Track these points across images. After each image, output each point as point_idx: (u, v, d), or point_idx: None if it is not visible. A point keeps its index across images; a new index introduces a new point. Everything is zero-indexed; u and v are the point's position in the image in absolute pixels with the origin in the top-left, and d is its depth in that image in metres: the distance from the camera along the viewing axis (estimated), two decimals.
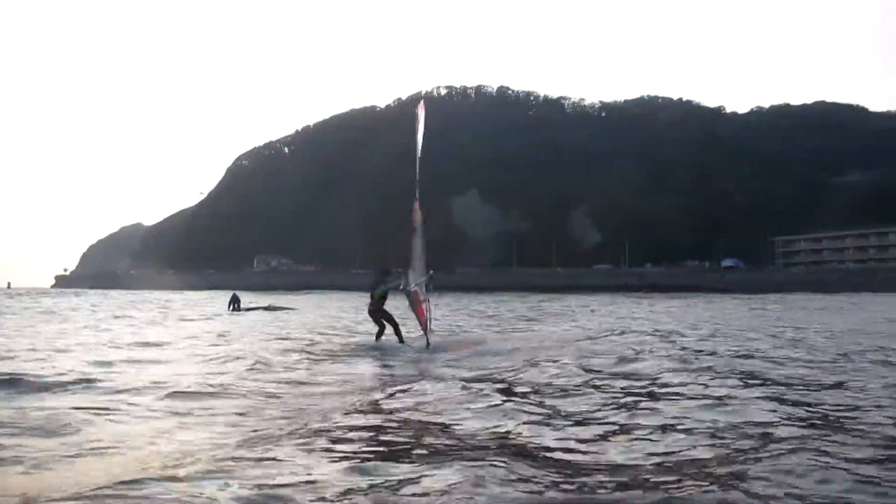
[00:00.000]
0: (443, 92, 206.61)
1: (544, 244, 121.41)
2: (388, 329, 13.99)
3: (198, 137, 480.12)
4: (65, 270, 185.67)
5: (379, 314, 14.00)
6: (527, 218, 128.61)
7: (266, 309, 30.16)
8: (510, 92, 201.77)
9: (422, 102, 16.57)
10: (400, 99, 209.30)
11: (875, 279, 75.77)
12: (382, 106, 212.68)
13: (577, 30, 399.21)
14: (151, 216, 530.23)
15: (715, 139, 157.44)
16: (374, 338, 13.97)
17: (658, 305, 34.24)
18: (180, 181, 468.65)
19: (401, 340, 13.63)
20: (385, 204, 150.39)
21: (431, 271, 14.05)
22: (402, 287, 13.62)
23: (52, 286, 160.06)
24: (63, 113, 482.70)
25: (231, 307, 29.90)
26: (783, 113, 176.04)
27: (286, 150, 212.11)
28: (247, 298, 36.25)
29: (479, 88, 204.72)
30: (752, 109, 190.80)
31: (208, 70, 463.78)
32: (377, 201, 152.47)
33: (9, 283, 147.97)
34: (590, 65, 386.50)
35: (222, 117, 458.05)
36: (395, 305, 14.35)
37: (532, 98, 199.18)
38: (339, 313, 27.17)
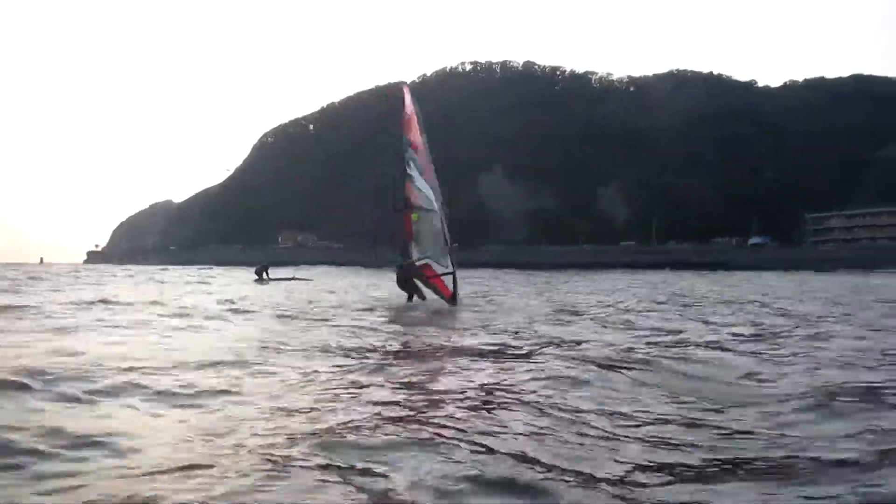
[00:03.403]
0: (468, 68, 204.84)
1: (572, 221, 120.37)
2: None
3: (225, 116, 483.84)
4: (96, 247, 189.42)
5: (407, 283, 14.86)
6: (554, 195, 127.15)
7: (290, 279, 30.87)
8: (536, 67, 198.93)
9: (406, 87, 17.07)
10: (425, 75, 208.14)
11: None
12: (407, 82, 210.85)
13: (604, 3, 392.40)
14: (180, 193, 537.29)
15: (747, 114, 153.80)
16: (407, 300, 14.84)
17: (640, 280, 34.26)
18: (208, 159, 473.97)
19: (422, 297, 14.61)
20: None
21: (455, 244, 14.48)
22: (400, 262, 14.31)
23: (84, 262, 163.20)
24: (95, 94, 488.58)
25: (263, 276, 30.78)
26: (817, 87, 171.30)
27: (311, 127, 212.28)
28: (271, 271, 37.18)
29: (504, 64, 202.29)
30: (784, 83, 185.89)
31: (237, 49, 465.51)
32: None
33: (41, 259, 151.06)
34: (617, 38, 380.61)
35: (249, 95, 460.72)
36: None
37: (558, 73, 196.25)
38: (350, 286, 27.08)
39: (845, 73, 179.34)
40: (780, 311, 14.11)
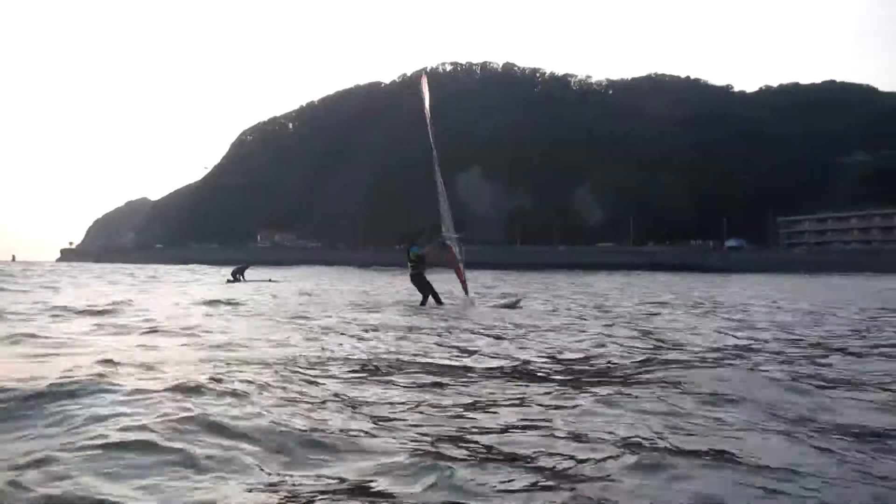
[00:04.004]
0: (448, 68, 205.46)
1: (549, 222, 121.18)
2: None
3: (203, 113, 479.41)
4: (70, 244, 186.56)
5: (420, 281, 14.34)
6: (531, 195, 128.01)
7: (268, 281, 30.32)
8: (516, 68, 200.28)
9: (424, 76, 17.20)
10: (405, 75, 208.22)
11: (878, 260, 75.66)
12: (387, 82, 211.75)
13: (584, 6, 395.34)
14: (157, 191, 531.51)
15: (722, 118, 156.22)
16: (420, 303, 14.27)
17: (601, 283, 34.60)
18: (185, 156, 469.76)
19: (439, 303, 14.09)
20: (389, 180, 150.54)
21: (462, 233, 14.66)
22: (442, 239, 14.38)
23: (58, 259, 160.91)
24: (72, 89, 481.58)
25: (238, 278, 30.15)
26: (792, 92, 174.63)
27: (290, 125, 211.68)
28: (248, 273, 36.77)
29: (484, 65, 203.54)
30: (760, 88, 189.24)
31: (215, 46, 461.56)
32: (381, 178, 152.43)
33: (13, 256, 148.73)
34: (597, 42, 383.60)
35: (227, 93, 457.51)
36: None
37: (538, 75, 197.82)
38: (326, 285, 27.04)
39: (819, 80, 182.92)
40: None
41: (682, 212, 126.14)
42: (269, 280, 30.89)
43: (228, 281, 29.63)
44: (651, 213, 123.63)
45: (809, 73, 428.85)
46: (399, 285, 23.80)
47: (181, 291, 20.31)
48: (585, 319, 11.53)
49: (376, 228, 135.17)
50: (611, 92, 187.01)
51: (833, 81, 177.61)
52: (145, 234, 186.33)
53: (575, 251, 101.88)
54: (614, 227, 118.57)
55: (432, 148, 15.09)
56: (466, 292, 14.58)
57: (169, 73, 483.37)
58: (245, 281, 29.37)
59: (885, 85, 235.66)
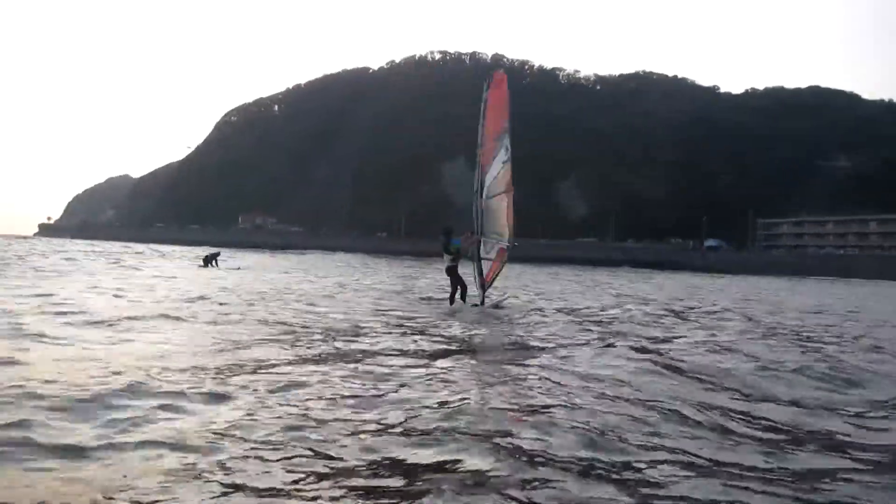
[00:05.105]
0: (437, 56, 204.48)
1: (532, 215, 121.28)
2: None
3: (188, 90, 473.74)
4: (48, 219, 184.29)
5: (454, 273, 14.73)
6: (516, 187, 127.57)
7: (237, 269, 29.98)
8: (505, 60, 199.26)
9: (503, 74, 16.80)
10: (393, 61, 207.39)
11: (852, 266, 76.77)
12: (375, 68, 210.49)
13: (575, 1, 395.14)
14: (139, 168, 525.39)
15: (707, 118, 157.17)
16: (449, 300, 14.68)
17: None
18: (169, 134, 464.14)
19: (463, 300, 14.56)
20: (374, 166, 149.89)
21: (516, 243, 14.77)
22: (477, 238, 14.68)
23: (35, 234, 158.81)
24: (54, 60, 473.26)
25: (209, 263, 30.05)
26: (776, 95, 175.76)
27: (276, 108, 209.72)
28: (228, 255, 36.61)
29: (473, 55, 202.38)
30: (746, 91, 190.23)
31: (203, 21, 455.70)
32: (366, 163, 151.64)
33: None
34: (587, 37, 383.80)
35: (213, 71, 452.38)
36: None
37: (526, 67, 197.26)
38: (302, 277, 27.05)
39: (804, 84, 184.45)
40: None
41: (664, 209, 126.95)
42: (238, 268, 30.51)
43: (200, 266, 29.93)
44: (634, 210, 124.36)
45: (795, 78, 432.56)
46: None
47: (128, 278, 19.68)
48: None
49: (361, 214, 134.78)
50: (598, 88, 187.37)
51: (817, 87, 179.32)
52: (125, 212, 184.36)
53: (556, 245, 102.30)
54: (598, 223, 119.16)
55: (479, 145, 15.43)
56: (484, 289, 14.64)
57: (156, 50, 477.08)
58: (217, 267, 29.45)
59: (867, 92, 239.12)
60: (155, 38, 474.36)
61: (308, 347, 7.54)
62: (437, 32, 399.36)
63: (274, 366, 6.23)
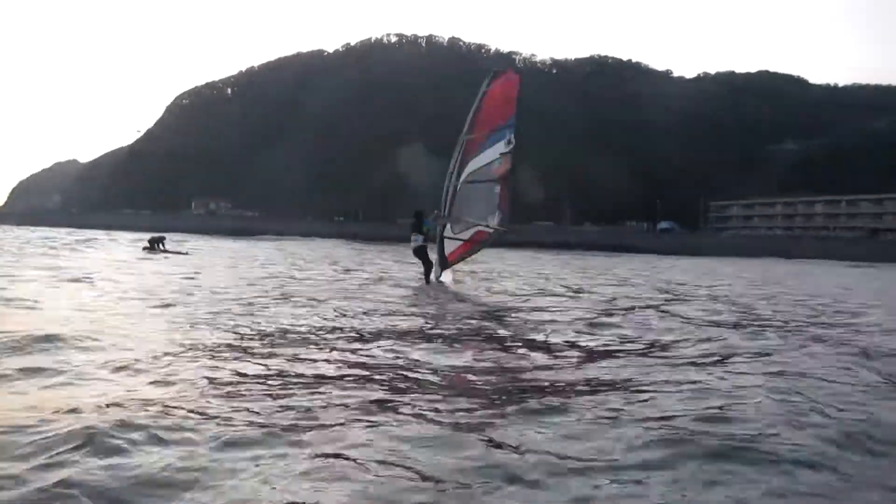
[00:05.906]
0: (393, 39, 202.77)
1: None
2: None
3: (138, 73, 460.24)
4: None
5: (422, 253, 15.75)
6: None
7: (185, 254, 29.26)
8: (461, 43, 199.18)
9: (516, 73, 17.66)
10: (349, 44, 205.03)
11: (798, 246, 78.81)
12: (330, 50, 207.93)
13: None
14: (87, 153, 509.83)
15: (661, 102, 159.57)
16: (424, 280, 15.59)
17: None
18: (118, 117, 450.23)
19: (427, 281, 15.37)
20: (329, 150, 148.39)
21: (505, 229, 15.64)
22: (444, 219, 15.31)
23: None
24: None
25: (156, 247, 29.39)
26: (727, 80, 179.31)
27: (229, 90, 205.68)
28: (177, 241, 35.86)
29: (429, 38, 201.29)
30: (698, 75, 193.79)
31: (152, 2, 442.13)
32: (321, 148, 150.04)
33: None
34: (543, 21, 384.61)
35: (164, 53, 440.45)
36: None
37: (483, 51, 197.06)
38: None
39: (754, 69, 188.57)
40: None
41: (619, 193, 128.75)
42: (185, 253, 29.87)
43: (145, 248, 29.53)
44: (589, 194, 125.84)
45: (746, 63, 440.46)
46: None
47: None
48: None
49: (316, 199, 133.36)
50: (554, 71, 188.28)
51: (767, 72, 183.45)
52: (73, 198, 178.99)
53: (511, 230, 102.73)
54: (552, 207, 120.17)
55: (466, 131, 16.39)
56: (443, 267, 15.38)
57: (105, 30, 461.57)
58: (163, 251, 28.87)
59: (815, 77, 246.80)
60: (104, 18, 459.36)
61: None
62: (393, 15, 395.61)
63: None
